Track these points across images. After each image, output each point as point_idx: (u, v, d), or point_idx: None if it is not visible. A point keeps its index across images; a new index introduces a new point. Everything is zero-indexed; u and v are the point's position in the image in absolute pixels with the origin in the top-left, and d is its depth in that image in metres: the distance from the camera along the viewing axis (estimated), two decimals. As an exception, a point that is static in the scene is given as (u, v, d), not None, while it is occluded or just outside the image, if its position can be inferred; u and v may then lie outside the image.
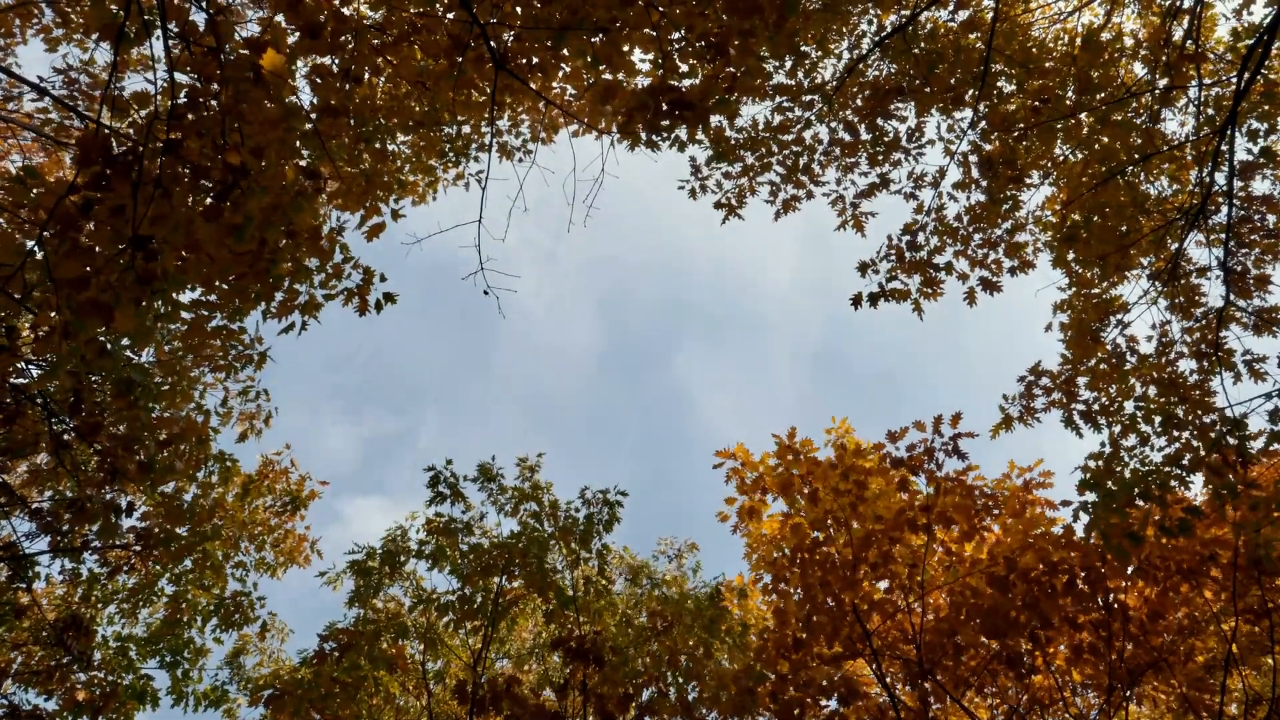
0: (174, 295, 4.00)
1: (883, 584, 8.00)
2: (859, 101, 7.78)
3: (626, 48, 3.99)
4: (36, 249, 3.37)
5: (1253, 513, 5.52)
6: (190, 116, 3.50)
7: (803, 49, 7.47)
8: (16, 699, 7.44)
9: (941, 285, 7.46)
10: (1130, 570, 7.24)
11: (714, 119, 4.03)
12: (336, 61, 4.33)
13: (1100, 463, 5.73)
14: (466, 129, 7.23)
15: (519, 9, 4.31)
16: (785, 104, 7.74)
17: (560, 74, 4.57)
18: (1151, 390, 6.51)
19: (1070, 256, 7.42)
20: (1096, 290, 7.29)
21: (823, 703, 7.34)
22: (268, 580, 9.58)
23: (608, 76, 4.13)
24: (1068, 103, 6.95)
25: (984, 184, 7.43)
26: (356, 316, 5.67)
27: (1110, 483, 5.51)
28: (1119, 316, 7.01)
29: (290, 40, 3.83)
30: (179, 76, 3.61)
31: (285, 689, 7.77)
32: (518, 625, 9.95)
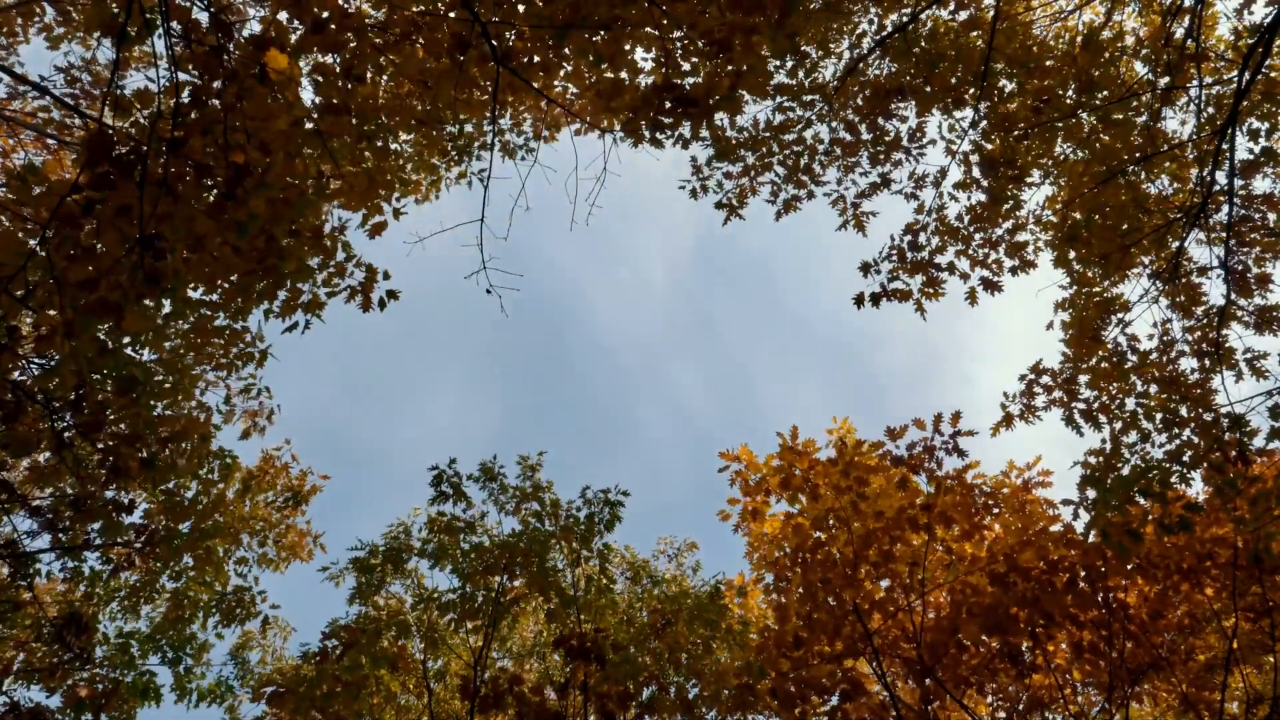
0: (185, 293, 4.01)
1: (884, 583, 8.01)
2: (860, 101, 7.78)
3: (629, 46, 4.00)
4: (40, 249, 3.37)
5: (1253, 507, 5.53)
6: (194, 115, 3.51)
7: (804, 49, 7.47)
8: (18, 696, 7.45)
9: (943, 285, 7.48)
10: (1130, 568, 7.26)
11: (717, 116, 4.03)
12: (339, 60, 4.34)
13: (1101, 459, 5.74)
14: (469, 128, 7.25)
15: (521, 7, 4.31)
16: (786, 103, 7.75)
17: (562, 72, 4.58)
18: (1153, 388, 6.52)
19: (1071, 256, 7.43)
20: (1098, 289, 7.30)
21: (824, 698, 7.35)
22: (270, 576, 9.60)
23: (610, 75, 4.14)
24: (1068, 102, 6.96)
25: (985, 183, 7.44)
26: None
27: (1110, 479, 5.52)
28: (1120, 315, 7.02)
29: (293, 38, 3.84)
30: (182, 75, 3.62)
31: (288, 686, 7.78)
32: (519, 624, 9.96)
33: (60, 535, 7.29)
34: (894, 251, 7.57)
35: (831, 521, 7.66)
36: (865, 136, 7.79)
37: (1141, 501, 5.37)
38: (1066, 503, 6.07)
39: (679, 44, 4.16)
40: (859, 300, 7.38)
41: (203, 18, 3.66)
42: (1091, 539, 6.59)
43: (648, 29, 4.14)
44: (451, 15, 4.50)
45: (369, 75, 5.30)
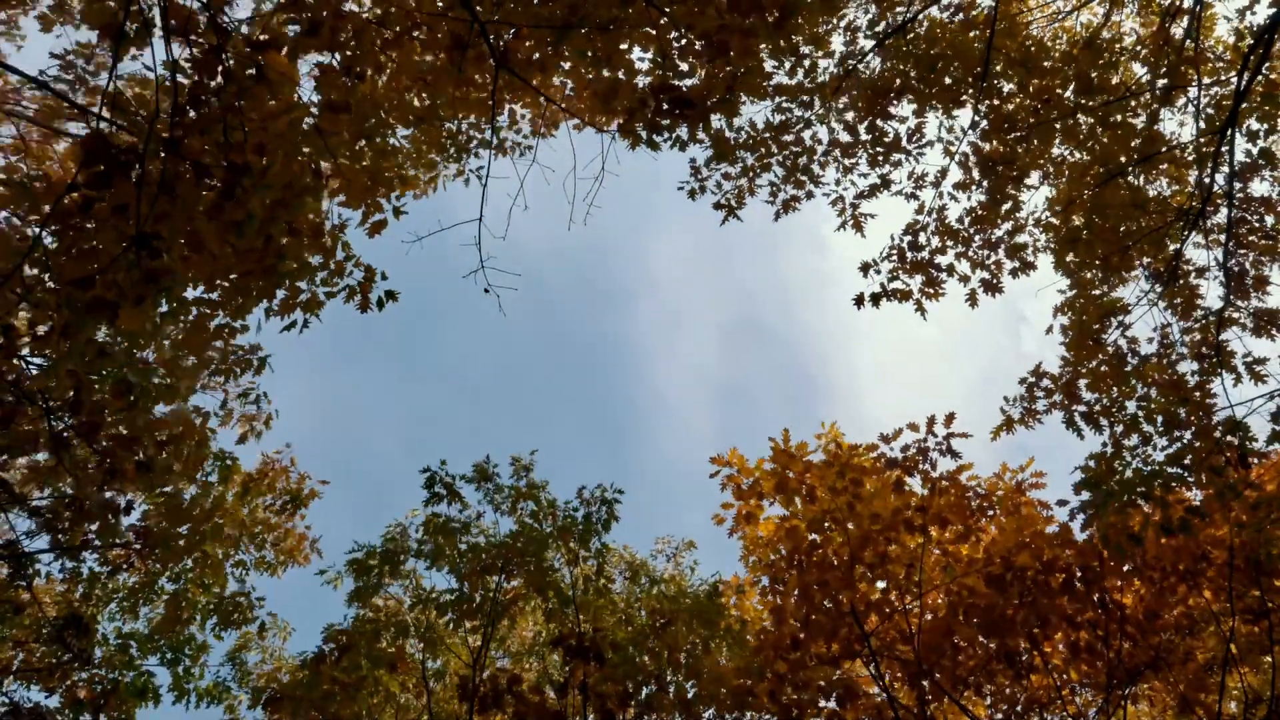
0: (181, 293, 4.00)
1: (880, 584, 8.01)
2: (859, 102, 7.77)
3: (626, 46, 4.00)
4: (39, 245, 3.37)
5: (1253, 512, 5.53)
6: (192, 114, 3.50)
7: (801, 49, 7.46)
8: (18, 696, 7.45)
9: (943, 285, 7.48)
10: (1127, 569, 7.26)
11: (714, 118, 4.03)
12: (338, 58, 4.33)
13: (1102, 462, 5.74)
14: (467, 124, 7.22)
15: (519, 7, 4.31)
16: (785, 104, 7.73)
17: (560, 71, 4.58)
18: (1153, 391, 6.52)
19: (1070, 258, 7.43)
20: (1097, 292, 7.29)
21: (820, 703, 7.35)
22: (268, 579, 9.58)
23: (608, 75, 4.13)
24: (1067, 103, 6.95)
25: (984, 185, 7.43)
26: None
27: (1113, 483, 5.52)
28: (1119, 318, 7.02)
29: (290, 36, 3.83)
30: (179, 75, 3.61)
31: (284, 692, 7.78)
32: (517, 624, 9.95)
33: (59, 536, 7.28)
34: (894, 251, 7.57)
35: (827, 524, 7.65)
36: (864, 137, 7.78)
37: (1142, 505, 5.37)
38: (1062, 503, 6.09)
39: (677, 45, 4.15)
40: (859, 301, 7.39)
41: (201, 18, 3.65)
42: (1093, 541, 6.60)
43: (646, 29, 4.13)
44: (450, 14, 4.50)
45: (368, 73, 5.29)
